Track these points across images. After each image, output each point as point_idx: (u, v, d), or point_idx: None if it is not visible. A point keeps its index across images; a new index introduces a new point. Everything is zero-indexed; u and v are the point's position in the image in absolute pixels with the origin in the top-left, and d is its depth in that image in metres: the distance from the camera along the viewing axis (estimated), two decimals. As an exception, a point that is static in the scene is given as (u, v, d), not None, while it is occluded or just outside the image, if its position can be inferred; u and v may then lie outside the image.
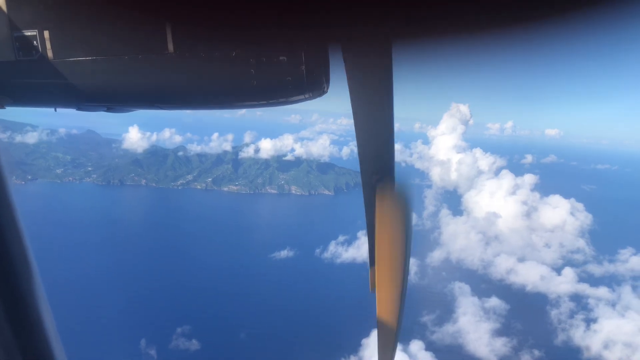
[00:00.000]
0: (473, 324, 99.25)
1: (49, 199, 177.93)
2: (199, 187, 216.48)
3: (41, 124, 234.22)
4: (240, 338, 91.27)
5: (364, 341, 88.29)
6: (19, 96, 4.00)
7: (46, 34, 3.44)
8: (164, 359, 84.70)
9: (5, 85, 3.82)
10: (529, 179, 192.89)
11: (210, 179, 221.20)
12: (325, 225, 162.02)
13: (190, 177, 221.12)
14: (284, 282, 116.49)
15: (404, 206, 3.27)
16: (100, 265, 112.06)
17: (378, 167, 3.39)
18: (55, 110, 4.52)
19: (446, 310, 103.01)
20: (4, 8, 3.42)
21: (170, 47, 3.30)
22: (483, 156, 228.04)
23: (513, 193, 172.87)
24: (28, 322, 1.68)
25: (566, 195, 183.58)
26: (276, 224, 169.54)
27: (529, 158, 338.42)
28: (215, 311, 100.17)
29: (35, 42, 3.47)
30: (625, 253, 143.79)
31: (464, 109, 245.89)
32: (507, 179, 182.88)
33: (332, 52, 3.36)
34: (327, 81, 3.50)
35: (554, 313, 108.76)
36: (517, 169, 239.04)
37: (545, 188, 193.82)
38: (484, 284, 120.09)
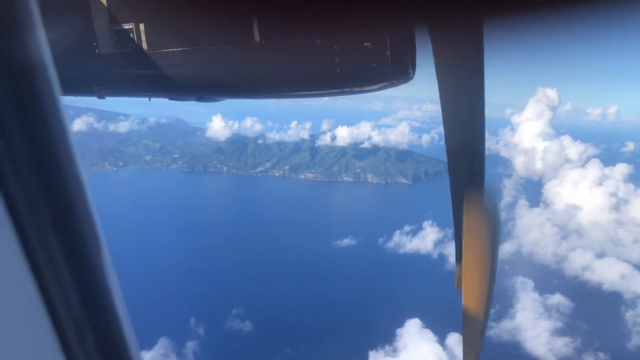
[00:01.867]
0: (531, 321, 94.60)
1: (137, 184, 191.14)
2: (277, 174, 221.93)
3: (133, 113, 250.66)
4: (287, 321, 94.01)
5: (398, 331, 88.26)
6: (116, 87, 4.26)
7: (141, 27, 3.66)
8: (218, 339, 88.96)
9: (105, 77, 4.10)
10: (622, 168, 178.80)
11: (287, 167, 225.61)
12: (395, 215, 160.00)
13: (269, 164, 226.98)
14: (341, 270, 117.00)
15: (493, 215, 3.15)
16: (174, 248, 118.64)
17: (467, 170, 3.25)
18: (150, 100, 4.75)
19: (505, 306, 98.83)
20: (104, 4, 3.67)
21: (257, 36, 3.41)
22: (572, 144, 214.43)
23: (599, 184, 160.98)
24: (105, 321, 1.71)
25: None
26: (344, 213, 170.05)
27: (630, 146, 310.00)
28: (272, 295, 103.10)
29: (131, 35, 3.69)
30: None
31: (551, 93, 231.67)
32: (594, 169, 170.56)
33: (418, 36, 3.27)
34: (414, 67, 3.48)
35: (629, 314, 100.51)
36: (614, 158, 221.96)
37: (637, 178, 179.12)
38: (556, 279, 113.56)
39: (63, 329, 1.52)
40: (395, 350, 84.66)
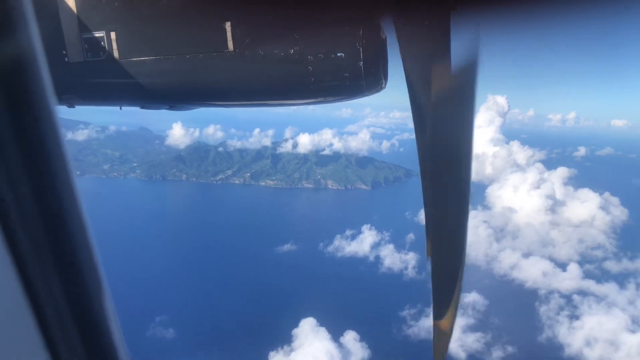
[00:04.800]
0: None
1: (90, 194, 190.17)
2: (237, 181, 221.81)
3: (94, 122, 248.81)
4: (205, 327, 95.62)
5: (295, 332, 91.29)
6: (87, 95, 4.17)
7: (112, 35, 3.64)
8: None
9: (75, 85, 3.99)
10: (562, 172, 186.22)
11: (248, 174, 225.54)
12: (342, 220, 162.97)
13: (229, 172, 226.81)
14: (270, 276, 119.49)
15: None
16: (125, 257, 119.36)
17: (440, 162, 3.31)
18: (121, 109, 4.64)
19: (425, 305, 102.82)
20: (74, 11, 3.64)
21: (230, 45, 3.45)
22: (521, 149, 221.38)
23: (537, 187, 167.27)
24: (93, 320, 1.69)
25: (608, 189, 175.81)
26: (294, 219, 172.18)
27: (582, 151, 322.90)
28: (195, 302, 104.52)
29: (102, 43, 3.67)
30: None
31: (501, 100, 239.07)
32: (535, 173, 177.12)
33: (389, 45, 3.40)
34: (385, 77, 3.55)
35: (542, 309, 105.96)
36: (564, 162, 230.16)
37: (583, 182, 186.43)
38: (482, 279, 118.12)
39: (49, 329, 1.50)
40: (292, 350, 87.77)
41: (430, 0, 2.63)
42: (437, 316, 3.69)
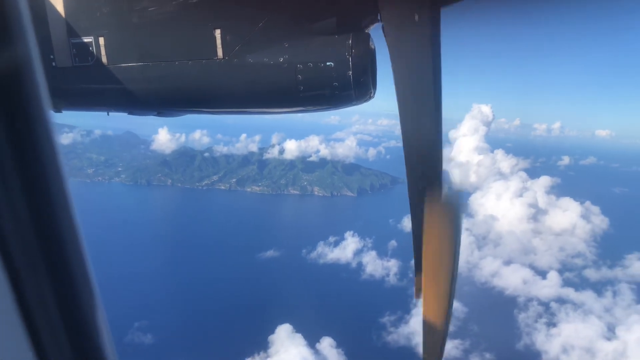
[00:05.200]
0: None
1: (73, 197, 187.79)
2: (222, 187, 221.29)
3: (80, 125, 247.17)
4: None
5: (271, 338, 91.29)
6: (74, 100, 4.13)
7: (101, 40, 3.62)
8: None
9: (62, 90, 3.93)
10: (545, 181, 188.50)
11: (234, 180, 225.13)
12: (322, 227, 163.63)
13: (215, 177, 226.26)
14: (250, 282, 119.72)
15: (454, 213, 3.09)
16: (106, 262, 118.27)
17: (426, 170, 3.27)
18: (108, 114, 4.56)
19: (404, 312, 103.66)
20: (63, 16, 3.59)
21: (220, 53, 3.46)
22: (505, 158, 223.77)
23: (520, 195, 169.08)
24: (83, 322, 1.68)
25: (589, 198, 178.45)
26: (278, 225, 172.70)
27: (566, 160, 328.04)
28: (178, 308, 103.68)
29: (90, 48, 3.64)
30: (631, 258, 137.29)
31: (485, 109, 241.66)
32: (517, 181, 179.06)
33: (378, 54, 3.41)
34: (374, 86, 3.56)
35: (521, 317, 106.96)
36: (548, 171, 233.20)
37: (566, 190, 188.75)
38: (467, 286, 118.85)
39: (37, 331, 1.48)
40: (268, 357, 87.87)
41: None
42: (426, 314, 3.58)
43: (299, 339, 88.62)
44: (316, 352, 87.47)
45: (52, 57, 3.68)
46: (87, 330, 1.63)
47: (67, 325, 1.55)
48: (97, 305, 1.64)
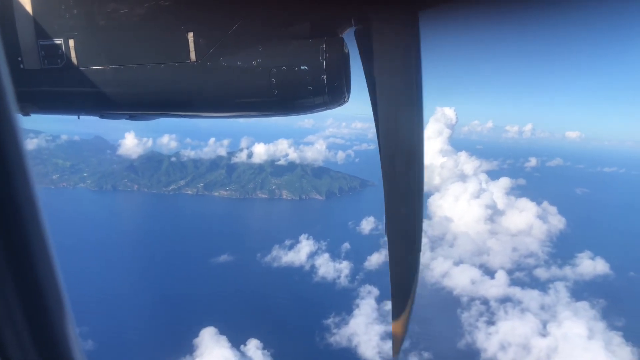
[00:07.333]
0: (364, 326, 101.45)
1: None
2: (189, 192, 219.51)
3: (46, 130, 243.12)
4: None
5: (195, 341, 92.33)
6: (43, 104, 4.02)
7: (71, 42, 3.52)
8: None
9: (31, 93, 3.84)
10: (504, 182, 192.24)
11: (202, 184, 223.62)
12: (282, 230, 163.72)
13: (182, 182, 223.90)
14: (199, 288, 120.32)
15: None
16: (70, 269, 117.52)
17: (406, 180, 3.39)
18: (79, 118, 4.46)
19: (347, 313, 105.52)
20: (31, 17, 3.49)
21: (193, 56, 3.42)
22: (468, 160, 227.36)
23: (477, 197, 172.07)
24: (46, 317, 1.69)
25: (551, 199, 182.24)
26: (232, 229, 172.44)
27: (532, 161, 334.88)
28: (116, 314, 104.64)
29: (60, 50, 3.54)
30: (582, 257, 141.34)
31: (449, 112, 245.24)
32: (475, 183, 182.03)
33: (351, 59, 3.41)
34: (348, 91, 3.56)
35: (464, 316, 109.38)
36: (514, 172, 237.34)
37: (528, 191, 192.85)
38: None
39: (2, 337, 1.51)
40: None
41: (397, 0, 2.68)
42: (395, 317, 3.78)
43: (224, 341, 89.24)
44: (242, 354, 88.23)
45: (19, 59, 3.61)
46: (56, 338, 1.60)
47: (36, 333, 1.51)
48: (66, 312, 1.62)
